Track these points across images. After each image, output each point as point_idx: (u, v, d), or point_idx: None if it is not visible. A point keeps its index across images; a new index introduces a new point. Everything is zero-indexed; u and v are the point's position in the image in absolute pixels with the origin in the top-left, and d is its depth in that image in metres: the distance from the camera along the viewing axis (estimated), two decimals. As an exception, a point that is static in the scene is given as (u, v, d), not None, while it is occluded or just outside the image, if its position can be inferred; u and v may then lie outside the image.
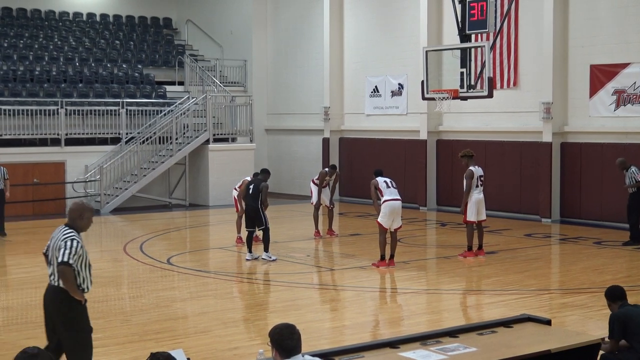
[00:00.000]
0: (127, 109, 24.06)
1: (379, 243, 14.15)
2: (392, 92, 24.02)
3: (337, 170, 18.60)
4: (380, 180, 14.17)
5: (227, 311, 11.29)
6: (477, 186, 14.79)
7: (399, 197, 14.10)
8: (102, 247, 18.09)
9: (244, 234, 15.55)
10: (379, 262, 14.08)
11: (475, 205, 14.75)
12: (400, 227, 14.21)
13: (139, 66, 27.22)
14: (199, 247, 18.09)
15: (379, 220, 14.02)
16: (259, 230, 15.12)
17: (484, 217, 14.98)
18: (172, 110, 24.63)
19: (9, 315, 11.28)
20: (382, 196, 13.99)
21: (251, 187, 15.02)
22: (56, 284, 7.08)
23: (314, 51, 26.44)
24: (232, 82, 27.86)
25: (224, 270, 14.23)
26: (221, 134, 25.00)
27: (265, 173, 15.54)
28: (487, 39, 18.44)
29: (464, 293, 12.71)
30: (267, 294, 13.02)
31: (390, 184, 14.13)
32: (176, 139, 24.01)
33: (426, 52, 16.36)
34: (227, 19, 29.02)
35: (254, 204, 14.86)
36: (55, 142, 22.98)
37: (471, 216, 14.77)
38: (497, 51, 20.52)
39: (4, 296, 12.41)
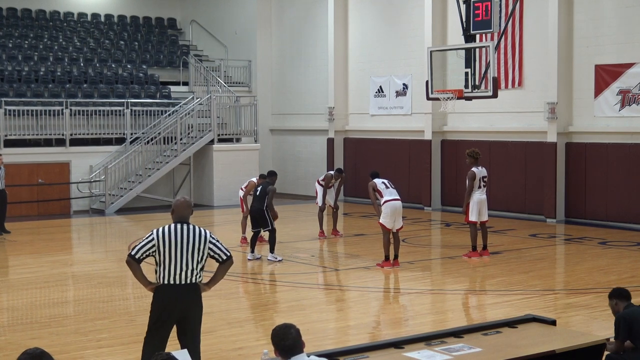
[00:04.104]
0: (131, 109, 24.09)
1: (382, 244, 14.16)
2: (396, 92, 24.00)
3: (343, 174, 18.59)
4: (378, 181, 14.18)
5: (232, 311, 11.29)
6: (479, 187, 14.78)
7: (398, 197, 14.10)
8: (107, 247, 18.13)
9: (249, 234, 15.56)
10: (383, 262, 14.08)
11: (477, 206, 14.74)
12: (402, 227, 14.21)
13: (144, 66, 27.24)
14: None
15: (381, 221, 14.01)
16: (264, 231, 15.13)
17: (485, 217, 14.96)
18: (176, 111, 24.65)
19: (14, 315, 11.29)
20: (382, 197, 14.00)
21: (259, 189, 15.04)
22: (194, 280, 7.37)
23: (319, 51, 26.44)
24: (236, 83, 27.88)
25: (228, 271, 14.19)
26: (226, 134, 25.02)
27: (272, 176, 15.52)
28: (492, 39, 18.41)
29: (468, 293, 12.70)
30: (271, 294, 13.03)
31: (388, 185, 14.13)
32: (181, 139, 24.05)
33: (431, 52, 16.37)
34: (231, 19, 29.03)
35: (259, 206, 14.86)
36: (60, 142, 23.02)
37: (472, 216, 14.77)
38: (502, 51, 20.50)
39: (9, 296, 12.42)
